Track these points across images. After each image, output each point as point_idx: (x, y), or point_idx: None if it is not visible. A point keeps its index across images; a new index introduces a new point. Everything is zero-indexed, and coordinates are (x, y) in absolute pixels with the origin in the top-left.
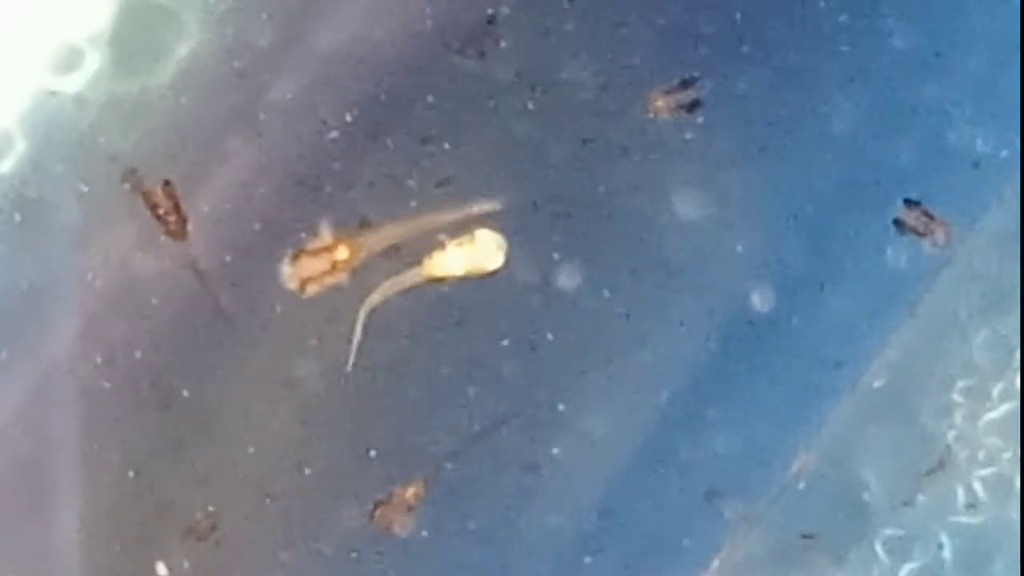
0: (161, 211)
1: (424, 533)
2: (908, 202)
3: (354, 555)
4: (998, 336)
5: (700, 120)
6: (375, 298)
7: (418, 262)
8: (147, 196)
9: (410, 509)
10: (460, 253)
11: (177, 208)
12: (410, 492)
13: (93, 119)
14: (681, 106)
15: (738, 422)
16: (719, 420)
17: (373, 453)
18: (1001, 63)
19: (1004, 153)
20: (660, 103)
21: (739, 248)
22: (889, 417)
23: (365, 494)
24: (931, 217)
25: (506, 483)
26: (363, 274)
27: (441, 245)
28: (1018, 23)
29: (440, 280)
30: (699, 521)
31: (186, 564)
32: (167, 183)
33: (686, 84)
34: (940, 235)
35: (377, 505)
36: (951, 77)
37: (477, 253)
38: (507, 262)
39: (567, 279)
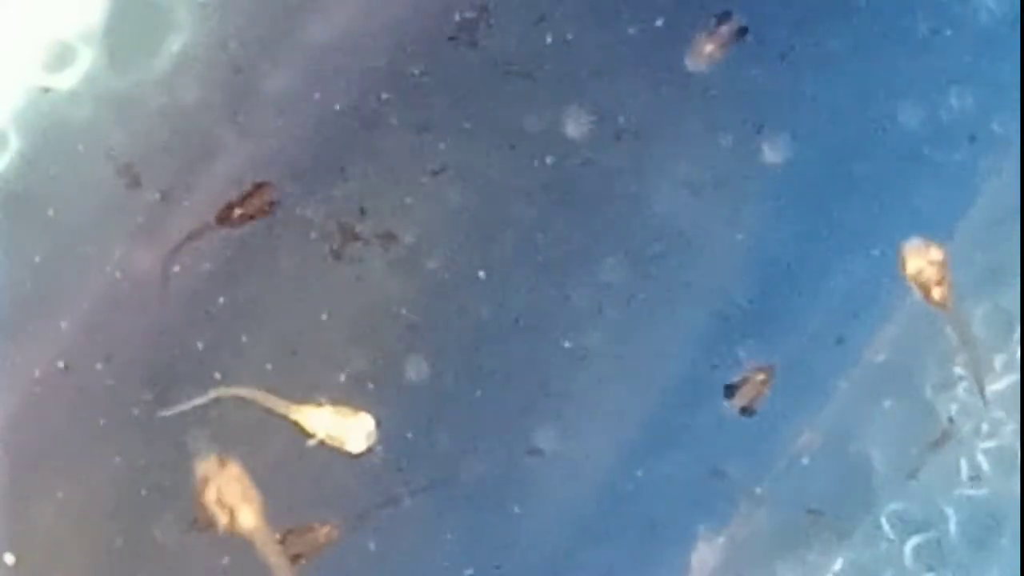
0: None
1: (429, 520)
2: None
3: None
4: (999, 309)
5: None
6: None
7: (293, 401)
8: None
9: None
10: (332, 420)
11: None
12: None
13: (87, 115)
14: (729, 38)
15: None
16: (723, 398)
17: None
18: (1002, 43)
19: (1000, 127)
20: (709, 48)
21: (739, 219)
22: (892, 392)
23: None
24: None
25: (508, 466)
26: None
27: (319, 403)
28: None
29: (296, 426)
30: (704, 499)
31: (189, 557)
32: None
33: (722, 19)
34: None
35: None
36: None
37: (346, 429)
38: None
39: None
